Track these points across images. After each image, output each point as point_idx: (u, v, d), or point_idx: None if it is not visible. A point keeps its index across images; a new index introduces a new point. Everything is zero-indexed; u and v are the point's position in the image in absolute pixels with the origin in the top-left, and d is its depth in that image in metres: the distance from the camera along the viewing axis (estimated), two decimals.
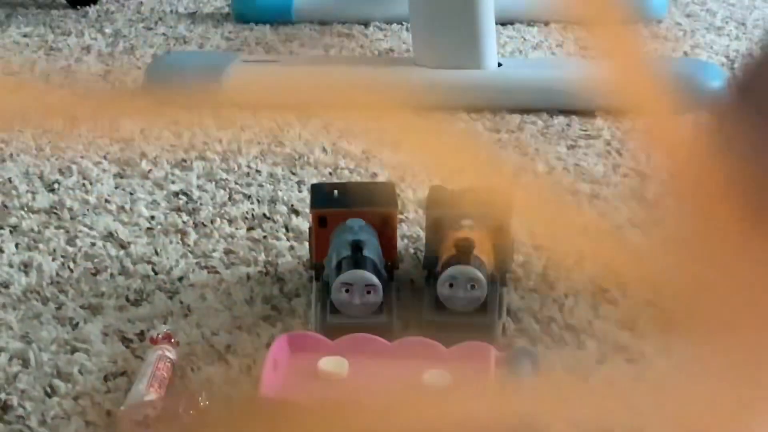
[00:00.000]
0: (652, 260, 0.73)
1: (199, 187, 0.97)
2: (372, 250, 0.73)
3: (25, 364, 0.70)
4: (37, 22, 1.53)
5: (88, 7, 1.61)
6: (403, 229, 0.87)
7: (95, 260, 0.83)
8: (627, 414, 0.61)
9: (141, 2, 1.63)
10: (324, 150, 1.05)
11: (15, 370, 0.69)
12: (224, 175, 0.99)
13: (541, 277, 0.80)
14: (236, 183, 0.98)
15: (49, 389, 0.67)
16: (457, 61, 1.16)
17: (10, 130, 1.00)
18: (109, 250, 0.85)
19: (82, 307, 0.77)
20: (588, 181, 0.97)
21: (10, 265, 0.83)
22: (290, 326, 0.74)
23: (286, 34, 1.44)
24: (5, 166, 1.02)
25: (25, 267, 0.83)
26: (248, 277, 0.81)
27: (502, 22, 1.42)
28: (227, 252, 0.85)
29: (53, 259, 0.84)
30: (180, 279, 0.80)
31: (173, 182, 0.98)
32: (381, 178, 0.99)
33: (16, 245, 0.86)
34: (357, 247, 0.71)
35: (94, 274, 0.81)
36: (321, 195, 0.79)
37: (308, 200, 0.82)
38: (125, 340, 0.72)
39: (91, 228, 0.89)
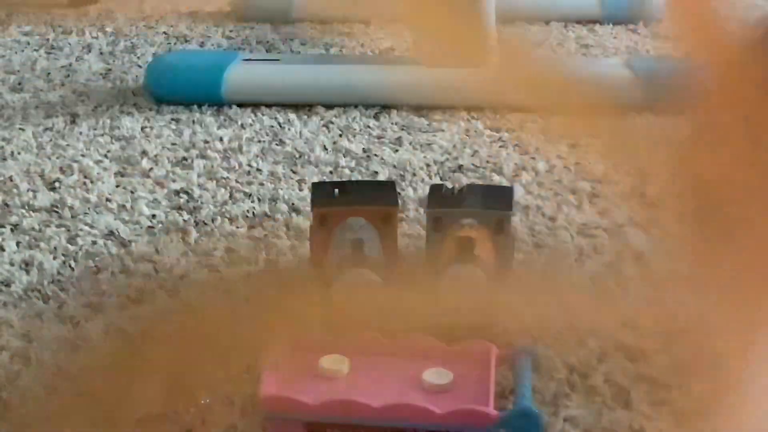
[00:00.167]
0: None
1: (200, 185, 0.97)
2: (372, 249, 0.73)
3: (27, 362, 0.70)
4: (38, 20, 1.53)
5: (88, 6, 1.61)
6: (403, 227, 0.87)
7: (96, 259, 0.83)
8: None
9: (142, 1, 1.63)
10: (325, 148, 1.06)
11: (16, 369, 0.69)
12: (225, 174, 1.00)
13: (542, 275, 0.80)
14: (237, 182, 0.98)
15: (50, 388, 0.67)
16: (458, 60, 1.16)
17: None
18: (110, 249, 0.85)
19: (83, 305, 0.77)
20: (589, 179, 0.97)
21: (11, 264, 0.83)
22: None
23: (286, 33, 1.44)
24: (6, 165, 1.03)
25: (26, 265, 0.83)
26: (249, 275, 0.81)
27: (503, 21, 1.42)
28: (228, 251, 0.85)
29: (54, 258, 0.84)
30: (181, 277, 0.81)
31: (174, 181, 0.98)
32: (381, 177, 0.99)
33: (17, 244, 0.86)
34: (358, 245, 0.71)
35: (95, 273, 0.82)
36: (322, 193, 0.79)
37: (309, 199, 0.82)
38: (126, 339, 0.72)
39: (92, 226, 0.89)
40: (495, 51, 1.18)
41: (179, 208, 0.92)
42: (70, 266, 0.82)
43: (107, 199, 0.94)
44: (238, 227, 0.89)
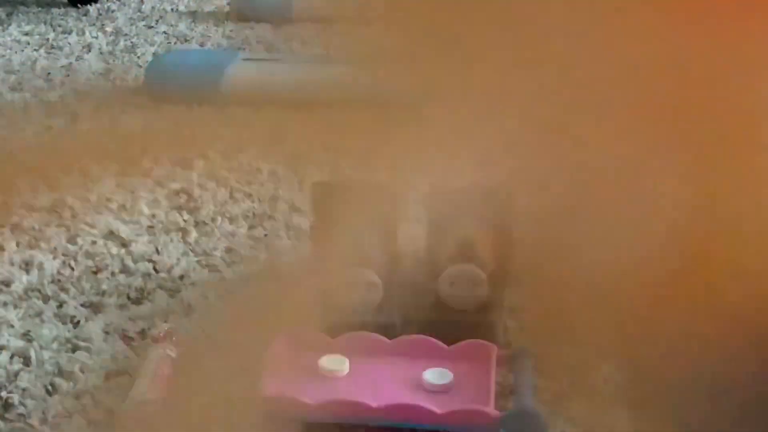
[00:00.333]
0: None
1: (200, 185, 0.97)
2: (374, 249, 0.73)
3: (27, 362, 0.70)
4: (38, 20, 1.53)
5: (88, 5, 1.61)
6: (404, 227, 0.87)
7: (96, 258, 0.83)
8: None
9: (142, 1, 1.63)
10: (325, 148, 1.05)
11: (16, 368, 0.69)
12: (225, 174, 0.99)
13: (543, 275, 0.80)
14: (237, 181, 0.98)
15: (50, 387, 0.67)
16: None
17: None
18: (110, 249, 0.85)
19: (83, 305, 0.77)
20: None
21: (11, 264, 0.83)
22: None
23: (286, 33, 1.44)
24: (6, 165, 1.02)
25: (26, 265, 0.83)
26: (249, 275, 0.81)
27: None
28: (228, 250, 0.85)
29: (54, 258, 0.84)
30: (181, 277, 0.81)
31: (174, 180, 0.98)
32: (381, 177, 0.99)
33: (17, 243, 0.86)
34: (359, 245, 0.71)
35: (95, 273, 0.82)
36: (322, 193, 0.79)
37: (309, 198, 0.82)
38: (126, 339, 0.72)
39: (92, 226, 0.89)
40: None
41: (179, 208, 0.92)
42: (70, 266, 0.82)
43: (107, 199, 0.94)
44: (238, 227, 0.89)
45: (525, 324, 0.74)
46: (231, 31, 1.47)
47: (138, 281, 0.80)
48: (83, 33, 1.46)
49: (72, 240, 0.87)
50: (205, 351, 0.71)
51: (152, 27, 1.50)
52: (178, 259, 0.83)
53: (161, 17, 1.55)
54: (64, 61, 1.34)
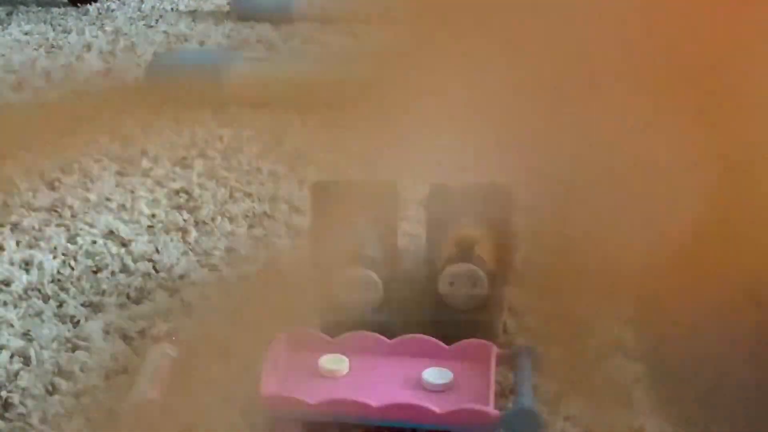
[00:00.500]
0: None
1: (199, 185, 0.97)
2: (372, 249, 0.73)
3: (27, 361, 0.70)
4: (38, 20, 1.53)
5: (88, 5, 1.61)
6: (403, 227, 0.87)
7: (96, 258, 0.83)
8: None
9: (141, 0, 1.63)
10: (325, 148, 1.05)
11: (16, 368, 0.69)
12: (225, 173, 1.00)
13: (542, 274, 0.80)
14: (237, 181, 0.98)
15: (50, 387, 0.67)
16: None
17: None
18: (110, 248, 0.85)
19: (83, 304, 0.77)
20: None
21: (11, 263, 0.83)
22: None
23: (286, 33, 1.44)
24: (6, 164, 1.02)
25: (26, 265, 0.83)
26: (249, 275, 0.81)
27: None
28: (228, 250, 0.85)
29: (54, 257, 0.84)
30: (181, 277, 0.81)
31: (174, 180, 0.98)
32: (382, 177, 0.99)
33: (17, 243, 0.86)
34: (359, 245, 0.71)
35: (95, 272, 0.82)
36: (322, 193, 0.79)
37: (309, 199, 0.82)
38: (126, 338, 0.72)
39: (92, 226, 0.89)
40: None
41: (179, 208, 0.92)
42: (70, 265, 0.82)
43: (107, 199, 0.94)
44: (238, 227, 0.89)
45: (525, 324, 0.74)
46: (231, 30, 1.47)
47: (138, 281, 0.80)
48: (83, 32, 1.46)
49: (72, 240, 0.87)
50: (205, 351, 0.71)
51: (152, 26, 1.50)
52: (178, 259, 0.83)
53: (161, 17, 1.55)
54: (64, 61, 1.34)
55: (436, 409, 0.60)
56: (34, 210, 0.92)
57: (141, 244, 0.86)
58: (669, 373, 0.64)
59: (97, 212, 0.92)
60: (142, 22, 1.52)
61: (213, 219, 0.90)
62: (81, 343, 0.72)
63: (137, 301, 0.77)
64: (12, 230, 0.88)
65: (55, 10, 1.59)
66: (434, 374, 0.65)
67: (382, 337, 0.68)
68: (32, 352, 0.70)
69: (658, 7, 0.64)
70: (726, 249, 0.64)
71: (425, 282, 0.75)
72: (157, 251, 0.84)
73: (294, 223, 0.89)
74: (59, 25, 1.50)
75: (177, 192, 0.96)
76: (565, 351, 0.70)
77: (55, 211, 0.92)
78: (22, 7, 1.60)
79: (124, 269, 0.82)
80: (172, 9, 1.59)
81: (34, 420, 0.64)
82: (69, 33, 1.46)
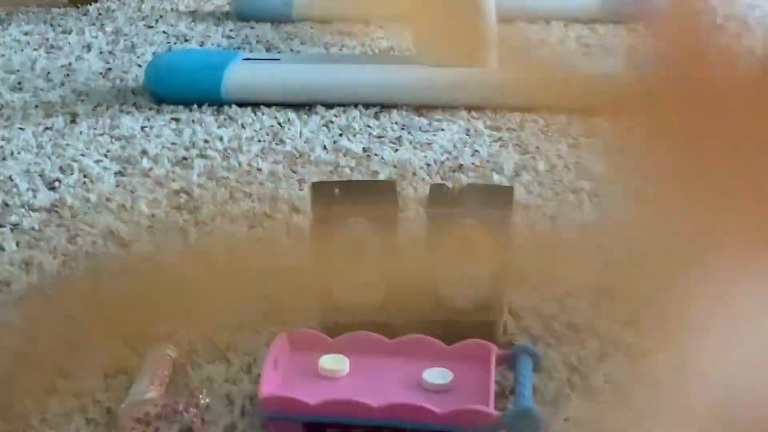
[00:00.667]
0: None
1: (199, 185, 0.97)
2: (373, 249, 0.73)
3: (26, 362, 0.70)
4: (38, 20, 1.53)
5: (88, 5, 1.61)
6: (403, 227, 0.87)
7: (96, 259, 0.83)
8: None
9: (141, 0, 1.63)
10: (324, 148, 1.05)
11: (16, 369, 0.69)
12: (225, 174, 0.99)
13: (543, 275, 0.80)
14: (237, 181, 0.98)
15: (49, 387, 0.67)
16: (458, 59, 1.16)
17: None
18: (110, 249, 0.85)
19: (83, 305, 0.77)
20: (589, 179, 0.97)
21: (11, 264, 0.83)
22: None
23: (286, 33, 1.44)
24: (6, 164, 1.02)
25: (26, 265, 0.83)
26: (249, 275, 0.81)
27: (503, 21, 1.42)
28: (228, 250, 0.84)
29: (54, 258, 0.84)
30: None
31: (174, 180, 0.98)
32: (382, 177, 0.99)
33: (17, 243, 0.86)
34: (358, 245, 0.71)
35: (95, 273, 0.81)
36: (322, 193, 0.78)
37: (309, 199, 0.82)
38: (126, 339, 0.72)
39: (91, 226, 0.89)
40: (495, 50, 1.18)
41: (179, 208, 0.92)
42: (70, 266, 0.82)
43: (107, 199, 0.94)
44: (238, 227, 0.88)
45: (525, 324, 0.74)
46: (231, 30, 1.47)
47: (138, 281, 0.80)
48: (83, 33, 1.46)
49: (72, 240, 0.87)
50: (206, 352, 0.71)
51: (152, 27, 1.49)
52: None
53: (161, 17, 1.54)
54: (63, 61, 1.34)
55: (436, 410, 0.60)
56: (34, 210, 0.92)
57: (141, 245, 0.86)
58: None
59: (97, 212, 0.92)
60: (142, 23, 1.51)
61: (213, 219, 0.90)
62: (81, 343, 0.71)
63: (137, 302, 0.77)
64: (12, 231, 0.88)
65: (55, 10, 1.58)
66: (434, 374, 0.65)
67: (382, 337, 0.68)
68: (32, 353, 0.70)
69: None
70: None
71: (425, 282, 0.75)
72: (157, 252, 0.84)
73: (294, 223, 0.89)
74: (59, 26, 1.50)
75: (177, 192, 0.96)
76: (564, 352, 0.70)
77: (55, 211, 0.92)
78: (22, 8, 1.60)
79: (124, 270, 0.82)
80: (172, 9, 1.59)
81: (34, 420, 0.64)
82: (69, 33, 1.46)
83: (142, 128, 1.12)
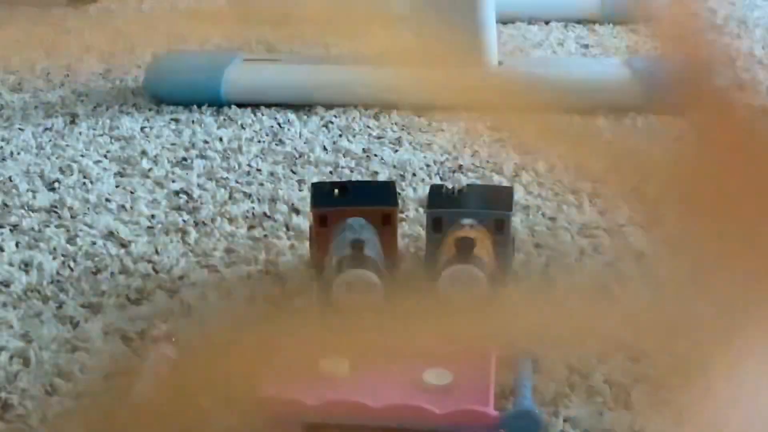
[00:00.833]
0: None
1: (199, 185, 0.97)
2: (372, 249, 0.73)
3: (26, 362, 0.70)
4: (38, 20, 1.53)
5: (88, 5, 1.61)
6: (403, 228, 0.87)
7: (96, 259, 0.83)
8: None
9: (141, 1, 1.63)
10: (324, 148, 1.05)
11: (15, 369, 0.69)
12: (225, 174, 0.99)
13: (542, 275, 0.80)
14: (237, 182, 0.98)
15: (49, 388, 0.67)
16: (458, 60, 1.16)
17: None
18: (110, 249, 0.85)
19: (82, 305, 0.77)
20: (589, 179, 0.97)
21: (11, 264, 0.83)
22: None
23: (286, 33, 1.44)
24: (5, 165, 1.02)
25: (26, 266, 0.82)
26: (249, 276, 0.81)
27: (503, 21, 1.42)
28: (228, 251, 0.85)
29: (54, 258, 0.84)
30: (180, 278, 0.80)
31: (174, 181, 0.98)
32: (381, 177, 0.99)
33: (17, 244, 0.86)
34: (357, 245, 0.71)
35: (95, 273, 0.81)
36: (321, 194, 0.79)
37: (309, 199, 0.82)
38: (126, 339, 0.72)
39: (91, 227, 0.89)
40: (495, 50, 1.18)
41: (179, 209, 0.92)
42: (69, 266, 0.82)
43: (107, 200, 0.94)
44: (237, 227, 0.89)
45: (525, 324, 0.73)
46: (231, 31, 1.47)
47: (137, 282, 0.80)
48: (83, 33, 1.46)
49: (71, 241, 0.86)
50: (206, 352, 0.71)
51: (152, 27, 1.49)
52: (178, 260, 0.83)
53: (161, 18, 1.54)
54: (63, 62, 1.34)
55: (436, 410, 0.60)
56: (34, 211, 0.92)
57: (140, 245, 0.86)
58: None
59: (97, 213, 0.92)
60: (142, 23, 1.51)
61: (213, 220, 0.90)
62: (80, 344, 0.72)
63: (137, 302, 0.77)
64: (11, 231, 0.88)
65: (54, 10, 1.58)
66: (434, 375, 0.65)
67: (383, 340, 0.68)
68: (31, 353, 0.70)
69: None
70: None
71: (425, 282, 0.75)
72: (157, 252, 0.84)
73: (294, 223, 0.89)
74: (59, 26, 1.50)
75: (177, 193, 0.96)
76: (564, 352, 0.70)
77: (55, 211, 0.92)
78: (22, 8, 1.60)
79: (124, 270, 0.82)
80: (171, 10, 1.59)
81: (34, 421, 0.64)
82: (69, 34, 1.46)
83: (142, 129, 1.12)
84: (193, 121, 1.13)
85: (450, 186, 0.79)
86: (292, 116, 1.14)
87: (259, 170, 1.00)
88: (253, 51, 1.38)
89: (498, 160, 1.02)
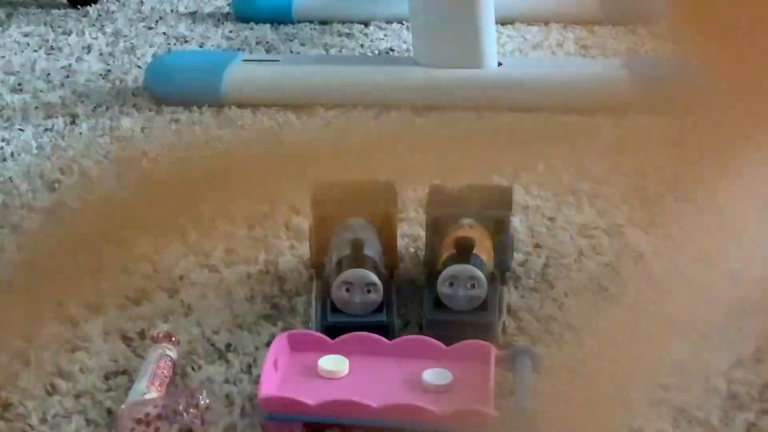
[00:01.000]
0: None
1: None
2: (372, 249, 0.73)
3: (26, 362, 0.70)
4: (38, 21, 1.53)
5: (88, 6, 1.61)
6: (403, 228, 0.87)
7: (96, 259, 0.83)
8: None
9: (141, 2, 1.63)
10: (327, 148, 1.05)
11: (16, 369, 0.69)
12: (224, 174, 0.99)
13: (541, 275, 0.80)
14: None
15: (50, 388, 0.67)
16: (458, 60, 1.16)
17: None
18: (110, 249, 0.85)
19: (82, 305, 0.77)
20: (588, 180, 0.97)
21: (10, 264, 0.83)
22: (291, 325, 0.74)
23: (286, 34, 1.44)
24: (6, 165, 1.02)
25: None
26: (248, 275, 0.81)
27: (503, 22, 1.42)
28: (228, 251, 0.84)
29: None
30: (180, 278, 0.80)
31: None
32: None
33: (17, 245, 0.86)
34: (357, 245, 0.71)
35: (95, 273, 0.81)
36: (322, 193, 0.79)
37: (309, 199, 0.82)
38: (126, 339, 0.72)
39: None
40: (494, 51, 1.18)
41: None
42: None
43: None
44: (237, 228, 0.88)
45: (524, 325, 0.74)
46: (231, 31, 1.47)
47: (138, 281, 0.80)
48: (83, 34, 1.46)
49: None
50: (206, 352, 0.71)
51: (152, 28, 1.49)
52: (178, 260, 0.83)
53: (161, 18, 1.54)
54: (63, 62, 1.34)
55: (436, 410, 0.60)
56: (34, 211, 0.92)
57: (140, 245, 0.85)
58: None
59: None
60: (142, 24, 1.51)
61: (213, 219, 0.90)
62: (81, 343, 0.72)
63: (137, 302, 0.77)
64: (12, 231, 0.88)
65: (54, 11, 1.59)
66: (434, 375, 0.65)
67: (382, 338, 0.68)
68: (32, 353, 0.70)
69: None
70: None
71: (425, 282, 0.75)
72: (157, 252, 0.84)
73: (294, 223, 0.89)
74: (59, 27, 1.50)
75: None
76: (564, 352, 0.70)
77: (55, 212, 0.92)
78: (22, 9, 1.60)
79: (124, 270, 0.82)
80: (171, 11, 1.59)
81: (34, 420, 0.64)
82: (69, 35, 1.46)
83: (142, 129, 1.11)
84: (193, 122, 1.13)
85: (450, 186, 0.79)
86: (292, 116, 1.14)
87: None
88: (252, 51, 1.38)
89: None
